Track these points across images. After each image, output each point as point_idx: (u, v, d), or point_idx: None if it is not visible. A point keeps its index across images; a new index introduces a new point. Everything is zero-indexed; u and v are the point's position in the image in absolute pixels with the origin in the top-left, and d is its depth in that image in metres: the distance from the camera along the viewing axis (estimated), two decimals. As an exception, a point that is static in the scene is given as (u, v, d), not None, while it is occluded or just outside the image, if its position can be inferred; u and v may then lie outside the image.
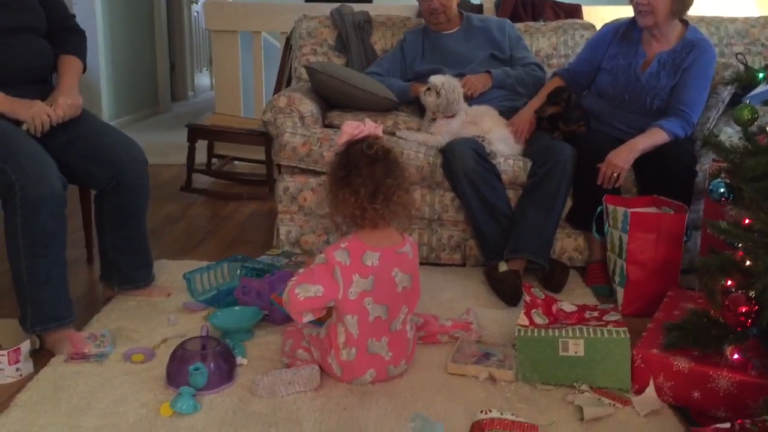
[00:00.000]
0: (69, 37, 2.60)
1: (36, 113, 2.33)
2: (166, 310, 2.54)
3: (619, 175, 2.76)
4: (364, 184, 1.95)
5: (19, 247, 2.15)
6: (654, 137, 2.81)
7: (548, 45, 3.60)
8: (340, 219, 2.04)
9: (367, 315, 1.99)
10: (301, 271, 2.03)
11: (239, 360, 2.15)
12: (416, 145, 3.03)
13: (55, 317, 2.22)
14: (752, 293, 1.79)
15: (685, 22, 2.97)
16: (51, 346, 2.23)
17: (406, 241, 2.09)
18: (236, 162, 4.99)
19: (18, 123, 2.33)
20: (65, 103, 2.40)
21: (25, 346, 2.11)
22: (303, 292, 1.94)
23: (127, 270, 2.61)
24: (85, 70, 2.62)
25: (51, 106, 2.37)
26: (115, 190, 2.47)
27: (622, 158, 2.77)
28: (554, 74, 3.29)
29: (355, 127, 2.03)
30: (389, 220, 2.01)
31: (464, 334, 2.32)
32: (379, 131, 2.06)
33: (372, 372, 2.04)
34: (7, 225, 2.15)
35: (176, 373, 2.01)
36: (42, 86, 2.50)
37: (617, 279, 2.69)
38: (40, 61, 2.49)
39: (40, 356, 2.20)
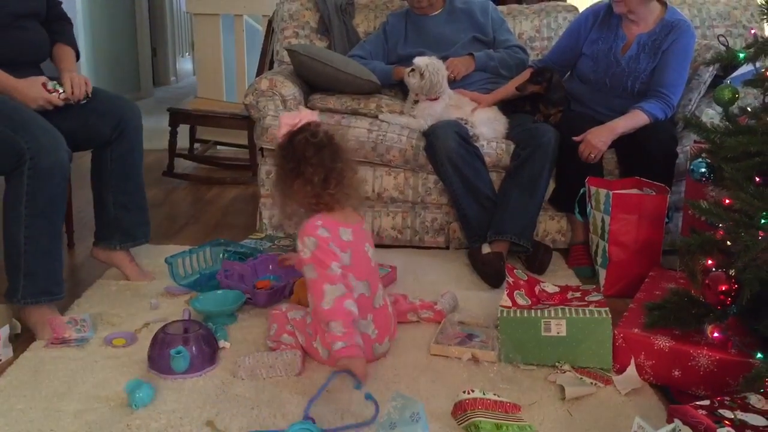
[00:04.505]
0: (63, 27, 2.63)
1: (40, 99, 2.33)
2: (147, 294, 2.53)
3: (595, 155, 2.78)
4: (315, 172, 1.98)
5: (20, 217, 2.14)
6: (634, 119, 2.82)
7: (531, 28, 3.59)
8: (293, 209, 2.07)
9: (351, 293, 2.00)
10: (312, 273, 1.98)
11: (221, 343, 2.15)
12: (399, 128, 3.03)
13: (47, 291, 2.22)
14: (732, 272, 1.80)
15: (664, 3, 2.97)
16: (32, 326, 2.22)
17: (364, 219, 2.16)
18: (219, 147, 4.97)
19: None
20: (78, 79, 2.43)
21: (5, 331, 2.10)
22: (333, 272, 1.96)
23: (128, 226, 2.61)
24: (78, 58, 2.65)
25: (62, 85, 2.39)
26: (118, 139, 2.50)
27: (600, 140, 2.79)
28: (529, 68, 3.25)
29: (293, 117, 2.05)
30: (344, 202, 2.05)
31: (448, 315, 2.34)
32: (315, 117, 2.08)
33: None
34: (9, 195, 2.15)
35: (158, 356, 2.00)
36: (34, 72, 2.46)
37: (599, 260, 2.70)
38: (41, 48, 2.51)
39: (20, 341, 2.18)
